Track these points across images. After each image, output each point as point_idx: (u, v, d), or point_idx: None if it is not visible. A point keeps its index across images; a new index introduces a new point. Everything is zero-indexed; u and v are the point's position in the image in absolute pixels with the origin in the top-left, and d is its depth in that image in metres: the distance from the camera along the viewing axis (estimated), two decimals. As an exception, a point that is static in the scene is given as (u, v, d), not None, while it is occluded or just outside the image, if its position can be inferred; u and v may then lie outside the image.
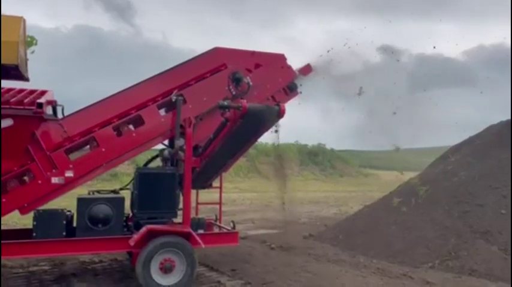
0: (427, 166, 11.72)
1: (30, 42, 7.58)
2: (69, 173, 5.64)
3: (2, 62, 4.98)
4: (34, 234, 5.43)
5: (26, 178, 5.64)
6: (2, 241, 5.14)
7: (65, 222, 5.59)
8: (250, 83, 6.77)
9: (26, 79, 5.77)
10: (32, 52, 7.99)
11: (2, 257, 5.18)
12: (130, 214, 6.27)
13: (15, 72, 5.35)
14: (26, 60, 5.93)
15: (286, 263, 7.34)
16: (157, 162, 6.94)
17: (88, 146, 6.05)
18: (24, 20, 5.39)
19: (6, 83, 5.56)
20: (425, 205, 8.59)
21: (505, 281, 6.25)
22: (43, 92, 5.75)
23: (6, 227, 7.74)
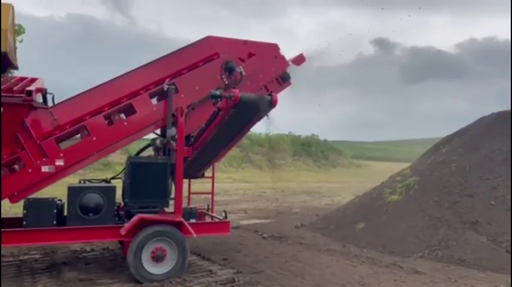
0: (419, 157, 11.80)
1: (18, 31, 7.39)
2: (59, 162, 5.60)
3: None
4: (24, 223, 5.40)
5: (16, 166, 5.59)
6: None
7: (55, 211, 5.57)
8: (243, 73, 6.72)
9: (15, 67, 5.69)
10: (21, 41, 7.82)
11: None
12: (122, 203, 6.26)
13: (4, 59, 5.28)
14: (15, 48, 5.84)
15: (278, 253, 7.40)
16: (150, 151, 6.92)
17: (79, 135, 6.00)
18: (13, 7, 5.30)
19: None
20: (416, 196, 8.66)
21: (493, 271, 6.35)
22: (33, 80, 5.68)
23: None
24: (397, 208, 8.63)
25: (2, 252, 6.77)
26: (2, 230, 5.22)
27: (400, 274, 6.18)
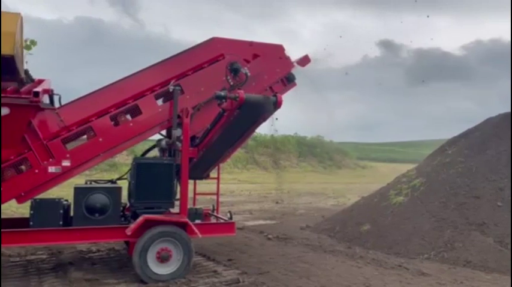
0: (425, 158, 11.74)
1: (28, 46, 7.07)
2: (66, 163, 5.63)
3: None
4: (31, 223, 5.45)
5: (23, 167, 5.62)
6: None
7: (62, 211, 5.61)
8: (248, 74, 6.73)
9: (20, 79, 5.63)
10: (31, 54, 7.58)
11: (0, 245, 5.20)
12: (128, 204, 6.29)
13: (10, 63, 5.26)
14: (22, 55, 5.82)
15: (283, 254, 7.39)
16: (155, 152, 6.94)
17: (85, 136, 6.04)
18: (21, 18, 5.33)
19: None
20: (422, 197, 8.63)
21: (500, 273, 6.30)
22: (40, 81, 5.73)
23: (4, 216, 7.78)
24: (403, 209, 8.59)
25: (9, 252, 6.85)
26: (9, 230, 5.27)
27: (406, 275, 6.16)
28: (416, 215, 8.17)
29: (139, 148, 10.28)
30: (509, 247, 6.78)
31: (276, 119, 6.64)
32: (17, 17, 5.17)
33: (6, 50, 4.98)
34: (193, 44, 6.77)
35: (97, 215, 5.63)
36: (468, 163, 8.95)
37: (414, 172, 10.14)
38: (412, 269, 6.44)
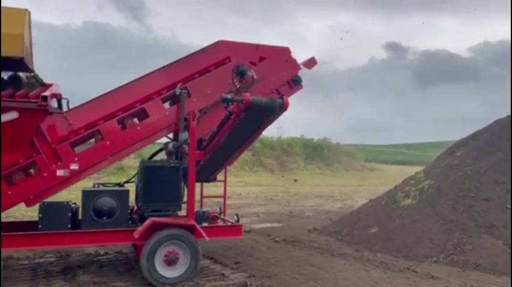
0: (433, 160, 11.66)
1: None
2: (74, 166, 5.68)
3: (7, 54, 4.99)
4: (40, 226, 5.49)
5: (31, 170, 5.68)
6: (8, 233, 5.20)
7: (70, 214, 5.64)
8: (255, 76, 6.74)
9: (31, 71, 5.77)
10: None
11: (8, 248, 5.25)
12: (135, 207, 6.31)
13: (20, 64, 5.37)
14: (32, 51, 5.93)
15: (290, 257, 7.37)
16: (162, 155, 6.97)
17: (93, 139, 6.08)
18: (29, 12, 5.39)
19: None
20: (430, 199, 8.56)
21: (510, 276, 6.22)
22: (48, 85, 5.79)
23: (13, 219, 7.87)
24: (411, 212, 8.53)
25: (18, 255, 6.90)
26: (18, 233, 5.33)
27: (415, 278, 6.10)
28: (425, 218, 8.10)
29: (147, 151, 10.33)
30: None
31: (280, 127, 6.62)
32: (24, 14, 5.22)
33: (16, 52, 5.06)
34: (200, 47, 6.80)
35: (105, 218, 5.66)
36: (477, 165, 8.86)
37: (422, 174, 10.06)
38: (421, 272, 6.39)
